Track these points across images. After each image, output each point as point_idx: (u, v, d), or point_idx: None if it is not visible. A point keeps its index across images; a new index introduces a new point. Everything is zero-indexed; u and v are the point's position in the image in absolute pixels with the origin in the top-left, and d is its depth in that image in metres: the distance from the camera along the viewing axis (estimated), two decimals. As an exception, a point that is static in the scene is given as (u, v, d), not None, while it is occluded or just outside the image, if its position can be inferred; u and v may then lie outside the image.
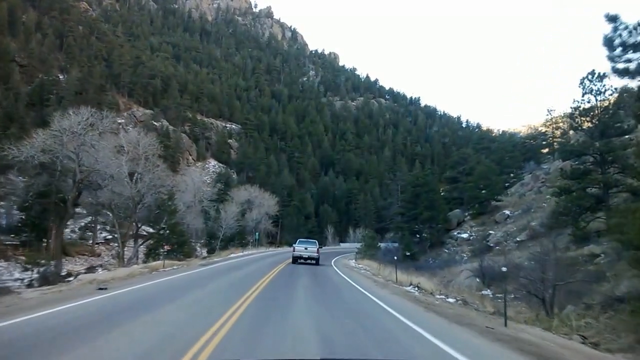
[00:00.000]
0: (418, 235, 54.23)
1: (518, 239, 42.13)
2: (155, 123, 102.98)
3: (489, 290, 27.16)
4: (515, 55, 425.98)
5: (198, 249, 54.25)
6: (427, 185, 52.16)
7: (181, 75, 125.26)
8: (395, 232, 72.00)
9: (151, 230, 43.78)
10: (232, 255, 40.28)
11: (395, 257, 26.53)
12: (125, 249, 40.37)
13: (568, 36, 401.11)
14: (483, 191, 51.99)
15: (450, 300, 16.96)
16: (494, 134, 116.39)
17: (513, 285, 28.27)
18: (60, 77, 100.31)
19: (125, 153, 38.28)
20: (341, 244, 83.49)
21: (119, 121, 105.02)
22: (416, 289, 18.36)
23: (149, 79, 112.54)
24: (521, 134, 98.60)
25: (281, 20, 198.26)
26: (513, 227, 45.95)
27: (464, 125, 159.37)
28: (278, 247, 67.92)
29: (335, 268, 29.03)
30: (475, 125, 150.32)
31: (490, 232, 46.73)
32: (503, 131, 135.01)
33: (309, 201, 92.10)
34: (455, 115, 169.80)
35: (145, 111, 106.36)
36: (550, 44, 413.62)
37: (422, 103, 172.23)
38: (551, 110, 67.69)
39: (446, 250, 49.12)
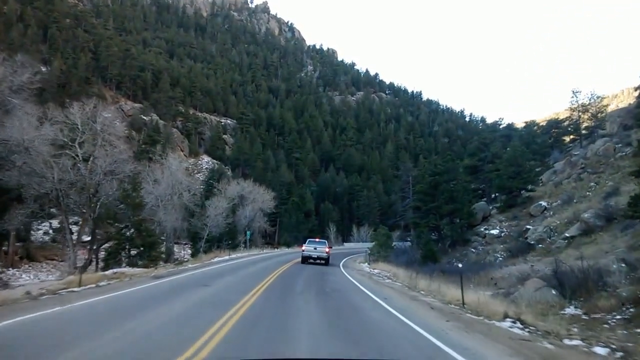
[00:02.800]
0: (436, 233, 45.57)
1: (567, 235, 33.39)
2: (144, 117, 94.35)
3: (573, 307, 18.62)
4: (516, 53, 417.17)
5: (180, 251, 45.52)
6: (447, 174, 43.44)
7: (173, 69, 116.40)
8: (404, 230, 63.35)
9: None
10: (215, 259, 31.49)
11: (460, 264, 18.05)
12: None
13: (567, 35, 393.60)
14: (513, 180, 43.22)
15: (600, 350, 8.37)
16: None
17: (600, 297, 19.69)
18: (43, 69, 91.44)
19: (80, 133, 29.82)
20: (345, 244, 74.53)
21: (106, 115, 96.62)
22: (518, 323, 9.64)
23: (138, 71, 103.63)
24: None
25: (278, 16, 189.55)
26: (555, 220, 37.23)
27: (467, 119, 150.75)
28: (275, 248, 59.10)
29: (350, 277, 20.29)
30: (479, 119, 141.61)
31: (528, 227, 38.00)
32: (508, 124, 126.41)
33: (309, 198, 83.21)
34: (458, 109, 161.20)
35: (134, 105, 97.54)
36: (548, 43, 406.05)
37: (424, 97, 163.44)
38: (577, 92, 58.82)
39: (473, 250, 40.36)
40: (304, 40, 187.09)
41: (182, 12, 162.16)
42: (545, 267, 27.99)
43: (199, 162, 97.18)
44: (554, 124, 67.66)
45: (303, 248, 29.06)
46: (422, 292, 15.31)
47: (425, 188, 43.52)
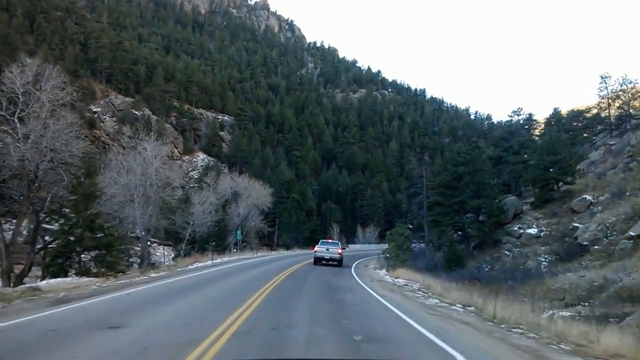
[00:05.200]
0: (459, 232, 38.54)
1: (632, 233, 26.30)
2: (135, 112, 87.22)
3: None
4: (520, 51, 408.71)
5: (167, 254, 38.39)
6: (473, 164, 36.40)
7: (169, 64, 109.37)
8: (416, 230, 56.31)
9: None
10: (194, 265, 24.49)
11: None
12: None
13: (570, 32, 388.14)
14: (549, 170, 36.18)
15: None
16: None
17: None
18: (28, 60, 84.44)
19: (22, 104, 22.79)
20: (350, 245, 67.23)
21: (95, 109, 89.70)
22: None
23: (131, 64, 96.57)
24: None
25: (278, 13, 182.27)
26: (609, 216, 30.19)
27: (472, 117, 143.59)
28: (273, 250, 52.05)
29: (377, 295, 13.23)
30: (485, 116, 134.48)
31: (575, 224, 30.93)
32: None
33: (310, 196, 76.13)
34: (463, 107, 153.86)
35: (125, 99, 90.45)
36: (555, 38, 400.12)
37: (428, 95, 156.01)
38: (606, 78, 51.74)
39: (507, 253, 33.27)
40: (304, 38, 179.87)
41: (179, 9, 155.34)
42: (628, 275, 21.02)
43: (194, 159, 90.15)
44: (577, 114, 60.61)
45: (315, 249, 28.09)
46: (534, 334, 8.22)
47: (447, 180, 36.45)
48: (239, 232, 34.27)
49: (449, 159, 37.04)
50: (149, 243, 50.78)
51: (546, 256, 30.01)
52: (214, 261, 25.61)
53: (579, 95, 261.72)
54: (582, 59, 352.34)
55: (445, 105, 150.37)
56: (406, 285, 19.43)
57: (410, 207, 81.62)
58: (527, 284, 25.02)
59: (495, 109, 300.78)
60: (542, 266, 29.01)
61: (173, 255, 37.88)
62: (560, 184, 36.94)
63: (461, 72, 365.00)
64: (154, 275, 19.05)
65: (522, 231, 34.53)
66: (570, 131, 51.37)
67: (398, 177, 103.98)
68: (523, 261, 31.00)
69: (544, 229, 33.46)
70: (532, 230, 33.61)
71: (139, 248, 33.50)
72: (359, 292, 13.95)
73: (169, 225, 32.88)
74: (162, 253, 39.92)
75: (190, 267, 23.38)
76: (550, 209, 35.98)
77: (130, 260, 29.50)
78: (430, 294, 16.88)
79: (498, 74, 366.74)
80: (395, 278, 22.10)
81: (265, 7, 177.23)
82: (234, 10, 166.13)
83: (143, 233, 30.09)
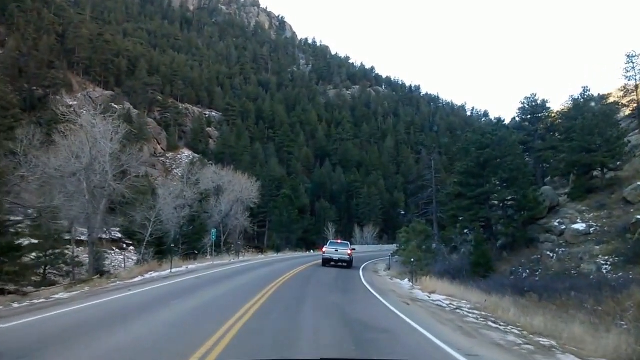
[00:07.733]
0: (483, 229, 31.53)
1: None
2: (115, 106, 79.40)
3: None
4: (519, 45, 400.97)
5: (125, 259, 31.03)
6: (499, 147, 29.50)
7: (153, 57, 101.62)
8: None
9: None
10: (148, 275, 17.30)
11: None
12: None
13: (567, 28, 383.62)
14: (594, 154, 29.30)
15: None
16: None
17: None
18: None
19: None
20: (349, 247, 59.89)
21: (70, 103, 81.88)
22: None
23: (112, 56, 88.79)
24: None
25: (268, 9, 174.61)
26: (682, 207, 23.43)
27: (469, 113, 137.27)
28: (261, 253, 44.77)
29: (459, 355, 5.98)
30: (482, 113, 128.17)
31: (638, 217, 24.01)
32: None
33: (303, 193, 69.05)
34: (459, 104, 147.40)
35: (104, 92, 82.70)
36: (552, 30, 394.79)
37: (423, 91, 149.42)
38: (633, 57, 45.12)
39: (550, 254, 26.32)
40: (296, 35, 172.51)
41: (167, 4, 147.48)
42: None
43: (179, 156, 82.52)
44: (600, 98, 54.04)
45: (324, 250, 27.17)
46: None
47: (470, 167, 29.43)
48: (214, 231, 27.10)
49: (473, 140, 29.97)
50: (124, 246, 43.40)
51: (606, 257, 23.09)
52: (173, 270, 18.33)
53: (583, 90, 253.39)
54: (580, 55, 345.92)
55: (441, 101, 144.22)
56: (454, 306, 12.36)
57: (408, 204, 74.99)
58: (599, 295, 18.08)
59: (493, 106, 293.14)
60: (604, 270, 22.14)
61: (136, 259, 30.56)
62: (605, 170, 30.19)
63: (456, 68, 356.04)
64: (61, 296, 11.79)
65: (564, 227, 27.61)
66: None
67: (395, 174, 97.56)
68: (574, 264, 24.10)
69: (594, 224, 26.58)
70: (579, 226, 26.69)
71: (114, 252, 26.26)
72: (412, 342, 6.83)
73: (126, 223, 25.48)
74: (124, 258, 32.64)
75: (137, 278, 16.15)
76: (594, 199, 29.17)
77: (67, 269, 22.17)
78: (508, 326, 9.92)
79: (494, 70, 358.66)
80: (430, 293, 15.03)
81: (256, 3, 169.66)
82: (224, 7, 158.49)
83: (89, 233, 22.75)
